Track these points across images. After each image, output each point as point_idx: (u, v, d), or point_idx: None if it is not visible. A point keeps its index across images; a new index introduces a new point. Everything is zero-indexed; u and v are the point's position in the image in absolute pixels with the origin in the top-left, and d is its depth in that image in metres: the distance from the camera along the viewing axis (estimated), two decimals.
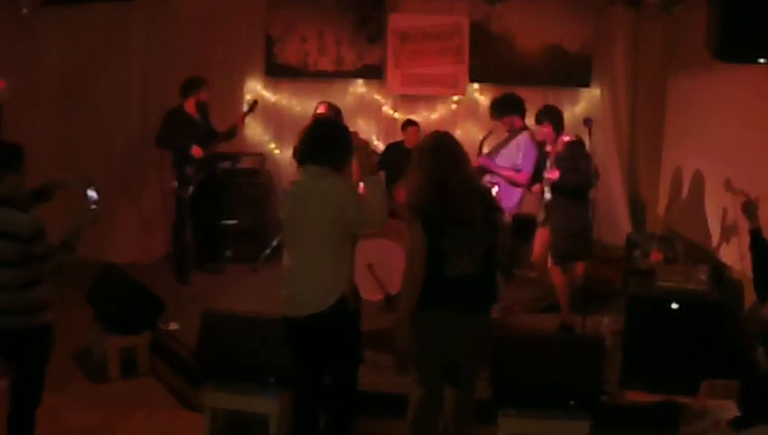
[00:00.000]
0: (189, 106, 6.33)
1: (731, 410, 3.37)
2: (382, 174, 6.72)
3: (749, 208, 3.90)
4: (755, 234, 3.80)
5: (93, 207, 3.88)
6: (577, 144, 5.25)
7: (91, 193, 3.93)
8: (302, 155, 3.44)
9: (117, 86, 7.06)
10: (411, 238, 3.31)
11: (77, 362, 5.05)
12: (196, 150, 6.15)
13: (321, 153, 3.38)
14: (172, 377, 4.78)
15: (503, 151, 5.61)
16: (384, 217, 3.51)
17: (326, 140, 3.41)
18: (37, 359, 3.45)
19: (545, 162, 5.38)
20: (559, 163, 5.18)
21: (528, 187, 5.56)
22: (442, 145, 3.42)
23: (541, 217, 5.54)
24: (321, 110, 5.57)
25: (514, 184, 5.50)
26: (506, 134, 5.65)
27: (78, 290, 5.27)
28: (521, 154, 5.50)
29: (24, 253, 3.22)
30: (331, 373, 3.53)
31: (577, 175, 5.11)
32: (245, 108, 6.77)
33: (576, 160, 5.13)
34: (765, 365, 3.37)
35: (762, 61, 3.68)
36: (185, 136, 6.16)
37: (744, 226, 4.99)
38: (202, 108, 6.41)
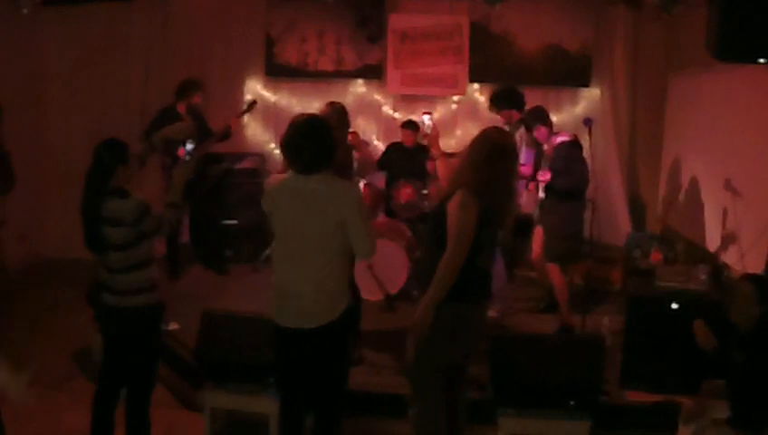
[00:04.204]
0: (181, 108, 6.28)
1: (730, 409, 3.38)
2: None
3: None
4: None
5: (188, 157, 3.93)
6: (572, 145, 5.20)
7: (189, 145, 3.98)
8: (294, 163, 3.20)
9: (117, 86, 7.06)
10: (462, 222, 3.21)
11: (77, 362, 5.05)
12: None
13: (313, 160, 3.15)
14: (172, 377, 4.77)
15: None
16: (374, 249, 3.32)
17: (315, 146, 3.15)
18: (145, 338, 3.60)
19: (541, 160, 5.37)
20: (551, 164, 5.15)
21: (526, 184, 5.55)
22: (513, 148, 3.50)
23: (537, 215, 5.54)
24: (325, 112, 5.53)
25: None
26: (506, 127, 5.63)
27: (78, 290, 5.27)
28: (523, 148, 5.49)
29: (131, 235, 3.44)
30: (324, 375, 3.34)
31: (569, 177, 5.04)
32: (245, 107, 6.73)
33: (569, 162, 5.07)
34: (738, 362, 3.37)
35: (762, 61, 3.69)
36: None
37: (744, 225, 5.01)
38: (193, 111, 6.28)
